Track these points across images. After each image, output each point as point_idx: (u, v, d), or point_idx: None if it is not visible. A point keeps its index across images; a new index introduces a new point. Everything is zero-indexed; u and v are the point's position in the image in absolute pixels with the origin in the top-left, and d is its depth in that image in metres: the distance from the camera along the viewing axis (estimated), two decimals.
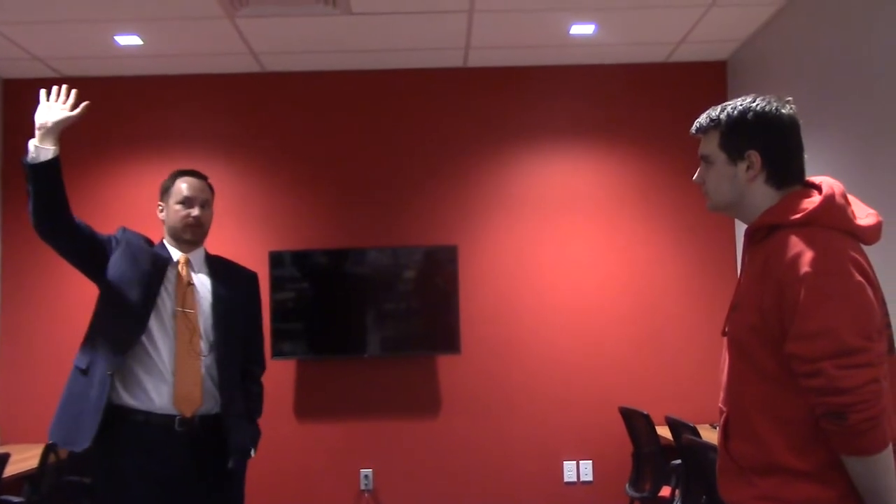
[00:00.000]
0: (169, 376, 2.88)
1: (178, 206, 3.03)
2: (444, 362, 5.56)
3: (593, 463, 5.50)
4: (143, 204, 5.57)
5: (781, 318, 1.76)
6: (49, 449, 3.97)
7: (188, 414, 2.87)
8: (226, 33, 4.98)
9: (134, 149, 5.64)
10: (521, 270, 5.61)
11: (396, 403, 5.55)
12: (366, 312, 5.57)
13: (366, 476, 5.48)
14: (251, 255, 4.94)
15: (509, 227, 5.64)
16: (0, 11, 4.59)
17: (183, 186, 3.05)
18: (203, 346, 2.96)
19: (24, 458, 4.42)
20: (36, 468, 4.00)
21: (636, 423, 4.92)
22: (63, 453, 4.04)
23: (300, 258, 5.54)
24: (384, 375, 5.55)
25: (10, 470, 3.97)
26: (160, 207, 3.11)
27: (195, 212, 3.03)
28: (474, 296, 5.57)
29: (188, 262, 3.05)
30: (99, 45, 5.14)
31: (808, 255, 1.73)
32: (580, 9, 4.81)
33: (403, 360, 5.56)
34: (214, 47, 5.24)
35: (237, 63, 5.53)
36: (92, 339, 2.94)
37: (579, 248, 5.62)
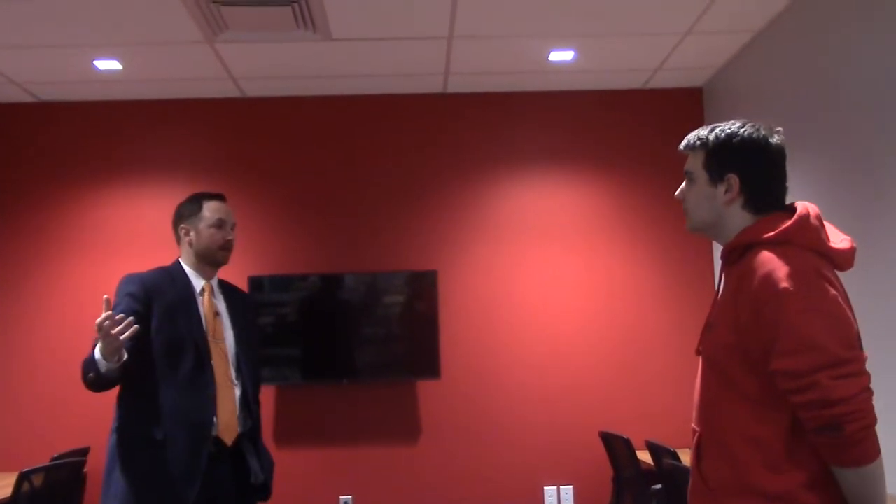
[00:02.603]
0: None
1: (213, 230, 3.05)
2: (424, 388, 5.54)
3: (574, 488, 5.48)
4: (122, 228, 5.56)
5: (760, 335, 1.76)
6: (23, 477, 3.90)
7: (229, 442, 2.93)
8: (206, 58, 4.99)
9: (113, 173, 5.61)
10: (501, 295, 5.61)
11: (376, 429, 5.52)
12: (346, 338, 5.54)
13: (345, 503, 5.43)
14: (231, 279, 4.86)
15: (489, 252, 5.65)
16: None
17: (215, 210, 3.08)
18: (233, 373, 3.01)
19: None
20: (10, 496, 3.93)
21: (616, 447, 4.92)
22: (38, 481, 3.98)
23: (280, 283, 5.52)
24: (364, 401, 5.51)
25: None
26: (184, 231, 3.08)
27: (230, 235, 3.09)
28: (454, 321, 5.57)
29: (212, 291, 3.09)
30: (78, 70, 5.13)
31: (783, 272, 1.76)
32: (559, 35, 4.86)
33: (383, 386, 5.53)
34: (194, 72, 5.24)
35: (217, 88, 5.53)
36: (154, 405, 2.87)
37: (558, 272, 5.64)
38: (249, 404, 3.03)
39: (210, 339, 2.96)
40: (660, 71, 5.45)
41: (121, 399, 2.93)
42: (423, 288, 5.54)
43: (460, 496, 5.45)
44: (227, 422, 2.92)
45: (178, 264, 3.09)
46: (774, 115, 4.66)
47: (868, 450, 1.68)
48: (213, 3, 4.22)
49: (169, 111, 5.69)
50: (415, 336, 5.54)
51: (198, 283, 3.06)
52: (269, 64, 5.17)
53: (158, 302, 2.90)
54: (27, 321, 5.48)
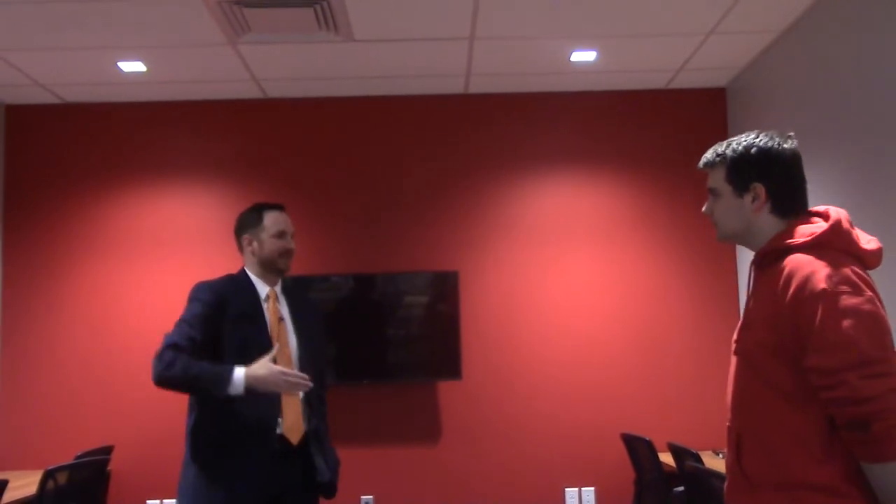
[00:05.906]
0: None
1: (274, 240, 3.18)
2: (445, 388, 5.54)
3: (595, 490, 5.46)
4: (145, 229, 5.60)
5: (798, 334, 1.82)
6: (48, 475, 3.94)
7: (295, 442, 3.07)
8: (228, 60, 5.02)
9: (136, 174, 5.66)
10: (523, 296, 5.61)
11: (397, 429, 5.53)
12: (367, 338, 5.55)
13: (366, 503, 5.44)
14: None
15: (511, 253, 5.65)
16: (3, 38, 4.63)
17: (276, 220, 3.21)
18: None
19: (23, 485, 4.40)
20: (35, 494, 3.97)
21: (638, 449, 4.90)
22: (62, 479, 4.02)
23: (301, 284, 5.52)
24: (385, 401, 5.52)
25: (9, 496, 3.96)
26: (247, 241, 3.21)
27: (291, 244, 3.22)
28: (476, 321, 5.57)
29: (276, 297, 3.20)
30: (102, 72, 5.17)
31: (822, 273, 1.82)
32: (581, 36, 4.84)
33: (404, 386, 5.54)
34: (217, 74, 5.27)
35: (240, 89, 5.56)
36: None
37: (580, 273, 5.62)
38: (312, 405, 3.14)
39: (274, 343, 3.08)
40: (682, 71, 5.42)
41: (193, 401, 3.07)
42: (444, 289, 5.54)
43: (481, 497, 5.45)
44: (292, 422, 3.06)
45: (243, 272, 3.23)
46: (798, 114, 4.63)
47: (893, 447, 1.72)
48: (236, 4, 4.24)
49: (192, 112, 5.73)
50: (436, 337, 5.54)
51: (262, 289, 3.19)
52: (291, 65, 5.19)
53: (228, 308, 3.05)
54: (52, 321, 5.53)
